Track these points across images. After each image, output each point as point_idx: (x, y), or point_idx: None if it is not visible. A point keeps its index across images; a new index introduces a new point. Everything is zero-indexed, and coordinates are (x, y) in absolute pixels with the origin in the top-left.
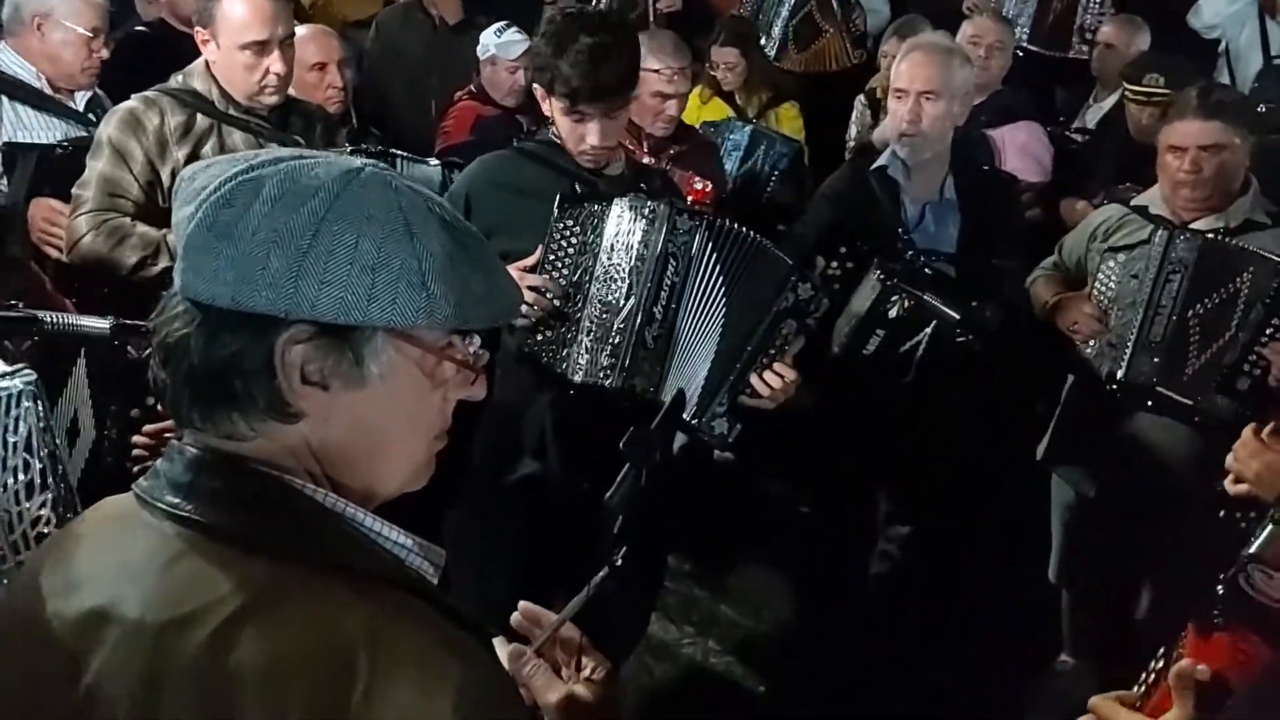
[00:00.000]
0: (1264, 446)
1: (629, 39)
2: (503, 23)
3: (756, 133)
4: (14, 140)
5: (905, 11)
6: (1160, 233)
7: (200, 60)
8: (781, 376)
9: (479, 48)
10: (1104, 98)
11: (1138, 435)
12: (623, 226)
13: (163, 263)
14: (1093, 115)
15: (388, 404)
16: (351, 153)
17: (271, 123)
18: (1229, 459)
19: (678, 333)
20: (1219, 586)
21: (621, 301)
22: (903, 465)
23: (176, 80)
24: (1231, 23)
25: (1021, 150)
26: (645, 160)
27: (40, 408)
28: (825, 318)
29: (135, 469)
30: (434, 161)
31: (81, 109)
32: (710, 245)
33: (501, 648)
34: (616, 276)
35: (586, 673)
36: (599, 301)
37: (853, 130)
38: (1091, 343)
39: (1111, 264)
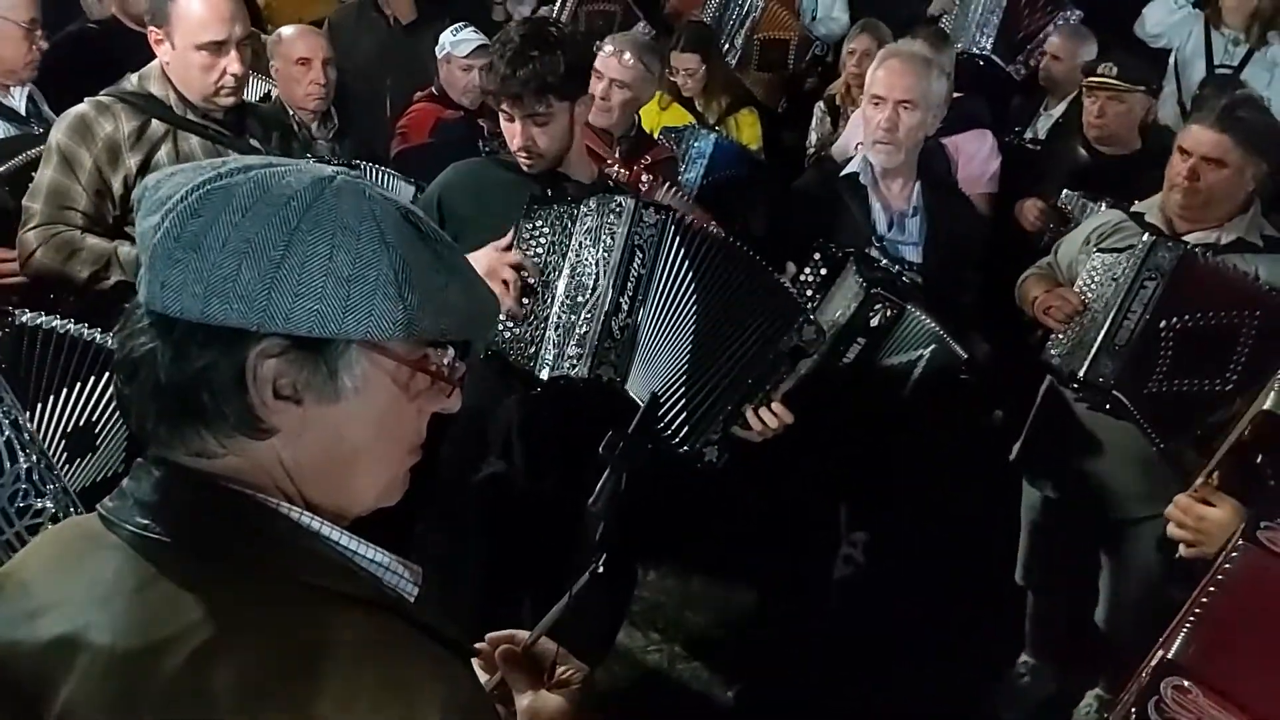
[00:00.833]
0: (1202, 504)
1: (568, 47)
2: (461, 23)
3: (720, 140)
4: None
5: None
6: (1146, 237)
7: (156, 63)
8: (776, 416)
9: (437, 47)
10: (1054, 106)
11: (1101, 438)
12: (590, 224)
13: (114, 276)
14: (1043, 124)
15: (362, 418)
16: (318, 161)
17: (229, 128)
18: (1171, 510)
19: (644, 324)
20: None
21: (589, 294)
22: (867, 470)
23: (131, 82)
24: (1176, 32)
25: (971, 159)
26: (614, 168)
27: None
28: None
29: None
30: (406, 182)
31: (21, 104)
32: (677, 240)
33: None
34: (584, 272)
35: (562, 676)
36: (568, 299)
37: (813, 137)
38: (1063, 339)
39: (1096, 264)
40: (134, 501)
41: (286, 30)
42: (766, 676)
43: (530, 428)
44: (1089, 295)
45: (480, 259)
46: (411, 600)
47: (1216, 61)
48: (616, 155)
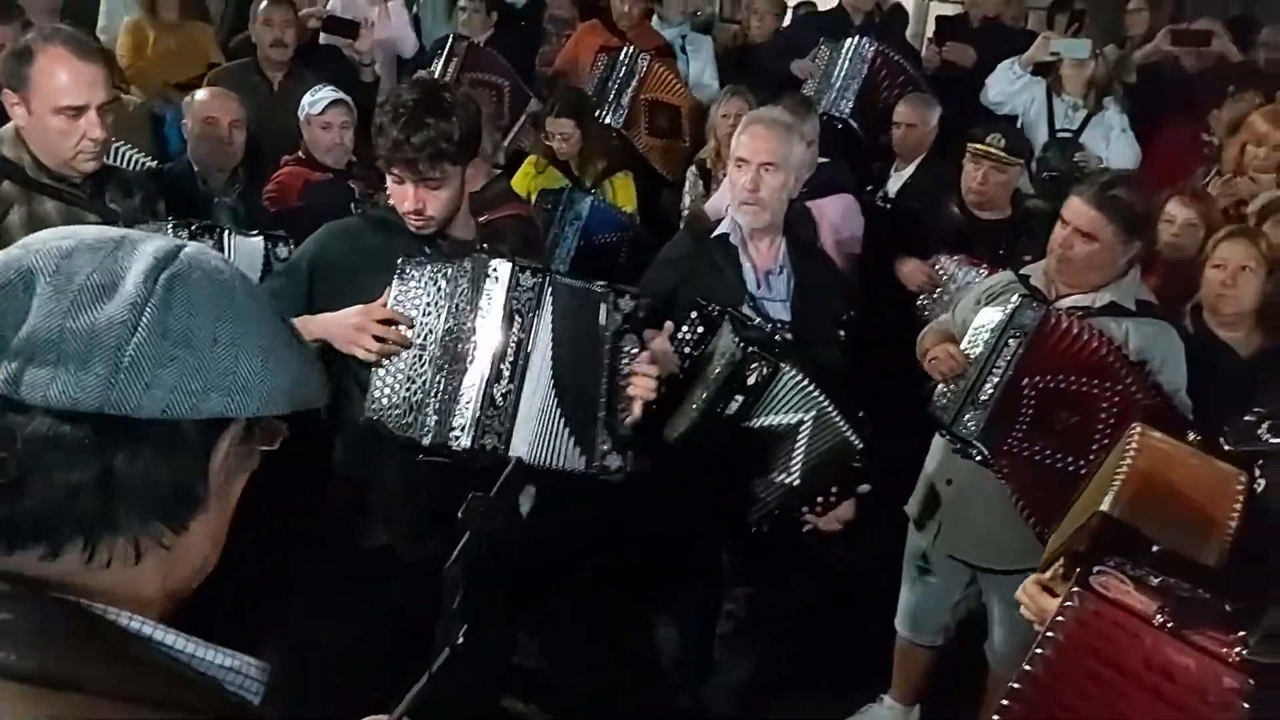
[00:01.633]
0: (1048, 592)
1: (461, 112)
2: (319, 84)
3: (595, 203)
4: None
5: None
6: (1016, 297)
7: (10, 125)
8: (645, 377)
9: (298, 109)
10: (903, 168)
11: (984, 490)
12: (463, 285)
13: None
14: (893, 184)
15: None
16: (175, 228)
17: (87, 191)
18: (1019, 593)
19: (525, 388)
20: None
21: (467, 361)
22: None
23: None
24: (1018, 99)
25: (836, 224)
26: None
27: None
28: (675, 381)
29: None
30: (255, 234)
31: None
32: (551, 298)
33: None
34: (461, 337)
35: None
36: (446, 363)
37: (686, 200)
38: (946, 391)
39: (979, 321)
40: None
41: (200, 92)
42: None
43: (412, 495)
44: (973, 351)
45: (351, 317)
46: (256, 701)
47: (1058, 125)
48: None
